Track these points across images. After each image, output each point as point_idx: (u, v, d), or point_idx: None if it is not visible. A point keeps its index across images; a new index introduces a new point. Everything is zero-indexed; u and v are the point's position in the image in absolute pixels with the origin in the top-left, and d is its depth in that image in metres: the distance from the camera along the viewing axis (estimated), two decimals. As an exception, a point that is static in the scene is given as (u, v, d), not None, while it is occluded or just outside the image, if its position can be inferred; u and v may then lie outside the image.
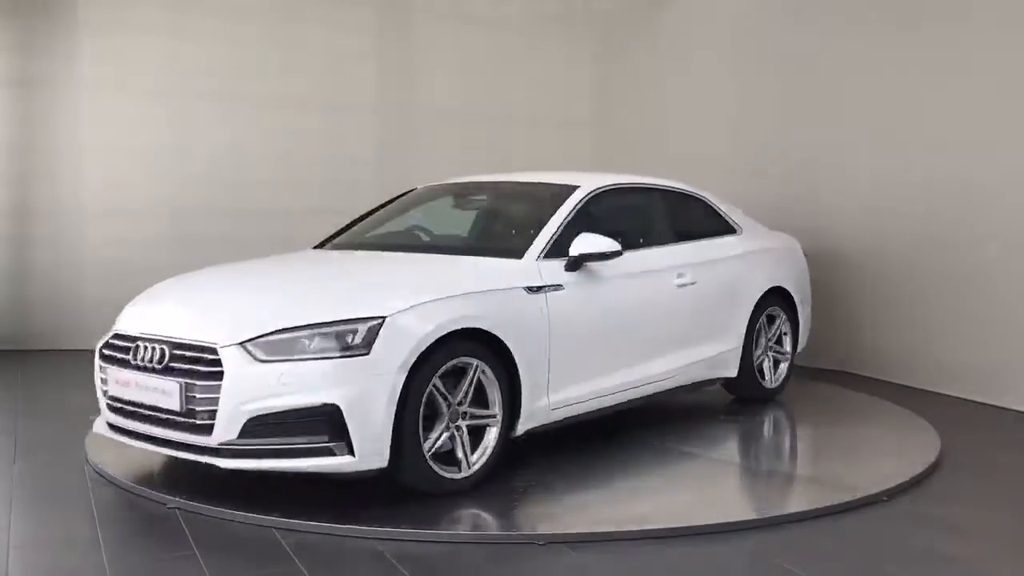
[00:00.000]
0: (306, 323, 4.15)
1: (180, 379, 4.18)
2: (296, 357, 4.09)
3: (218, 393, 4.07)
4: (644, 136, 9.44)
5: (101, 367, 4.64)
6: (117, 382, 4.47)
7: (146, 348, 4.36)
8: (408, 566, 3.63)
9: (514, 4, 9.61)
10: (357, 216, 6.11)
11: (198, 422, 4.13)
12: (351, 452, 4.06)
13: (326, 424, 4.04)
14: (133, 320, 4.65)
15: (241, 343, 4.12)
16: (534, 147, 9.52)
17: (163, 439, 4.31)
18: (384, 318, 4.15)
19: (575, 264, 4.97)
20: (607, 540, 3.91)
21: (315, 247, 5.87)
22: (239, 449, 4.08)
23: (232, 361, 4.09)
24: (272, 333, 4.13)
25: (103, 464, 4.87)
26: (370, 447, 4.08)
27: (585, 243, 4.97)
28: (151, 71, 8.64)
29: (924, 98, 7.08)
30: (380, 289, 4.48)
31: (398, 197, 6.22)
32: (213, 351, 4.13)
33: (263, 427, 4.05)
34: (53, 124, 8.54)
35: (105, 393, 4.61)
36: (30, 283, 8.57)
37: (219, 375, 4.08)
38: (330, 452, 4.06)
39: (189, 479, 4.66)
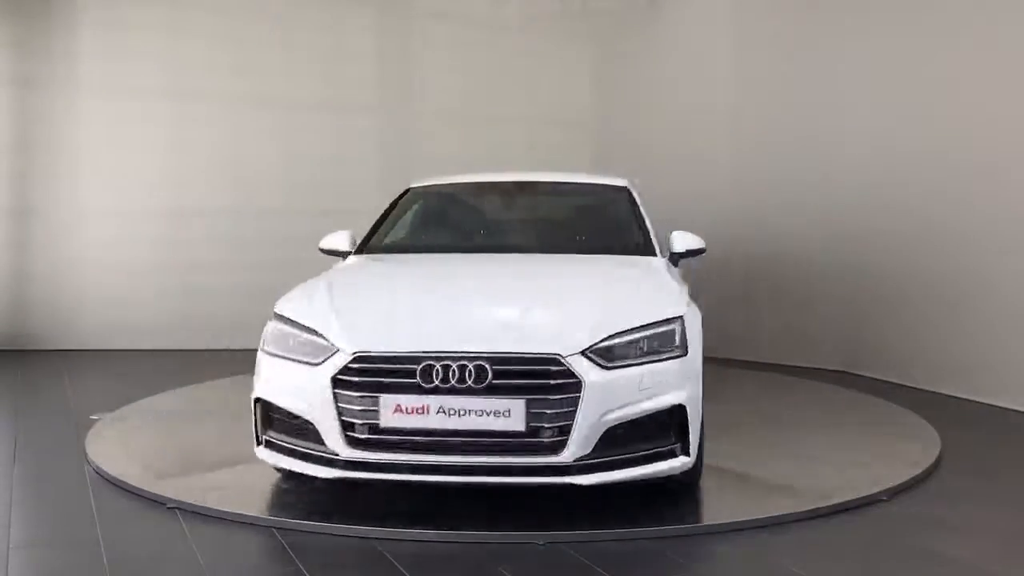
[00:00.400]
0: (633, 326, 4.05)
1: (522, 396, 3.82)
2: (636, 362, 3.99)
3: (572, 407, 3.82)
4: (643, 136, 9.44)
5: (347, 397, 3.91)
6: (401, 410, 3.85)
7: (449, 367, 3.84)
8: (408, 566, 3.63)
9: (513, 4, 9.61)
10: (383, 217, 5.80)
11: (545, 441, 3.83)
12: (686, 453, 4.06)
13: (674, 426, 4.03)
14: (385, 337, 4.02)
15: (583, 351, 3.90)
16: (533, 146, 9.52)
17: (486, 467, 3.87)
18: (682, 317, 4.18)
19: (676, 260, 5.25)
20: (605, 540, 3.91)
21: (358, 251, 5.41)
22: (593, 463, 3.88)
23: (586, 371, 3.86)
24: (609, 338, 3.98)
25: (103, 464, 4.86)
26: (694, 447, 4.11)
27: (684, 240, 5.27)
28: (151, 71, 8.65)
29: (925, 90, 7.08)
30: (658, 290, 4.49)
31: (399, 198, 5.97)
32: (557, 362, 3.86)
33: (615, 436, 3.90)
34: (52, 124, 8.54)
35: (355, 427, 3.90)
36: (30, 283, 8.57)
37: (571, 387, 3.84)
38: (672, 455, 4.03)
39: (188, 479, 4.66)
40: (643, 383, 3.94)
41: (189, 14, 8.72)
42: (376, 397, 3.85)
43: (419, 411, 3.82)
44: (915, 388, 7.07)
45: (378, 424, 3.86)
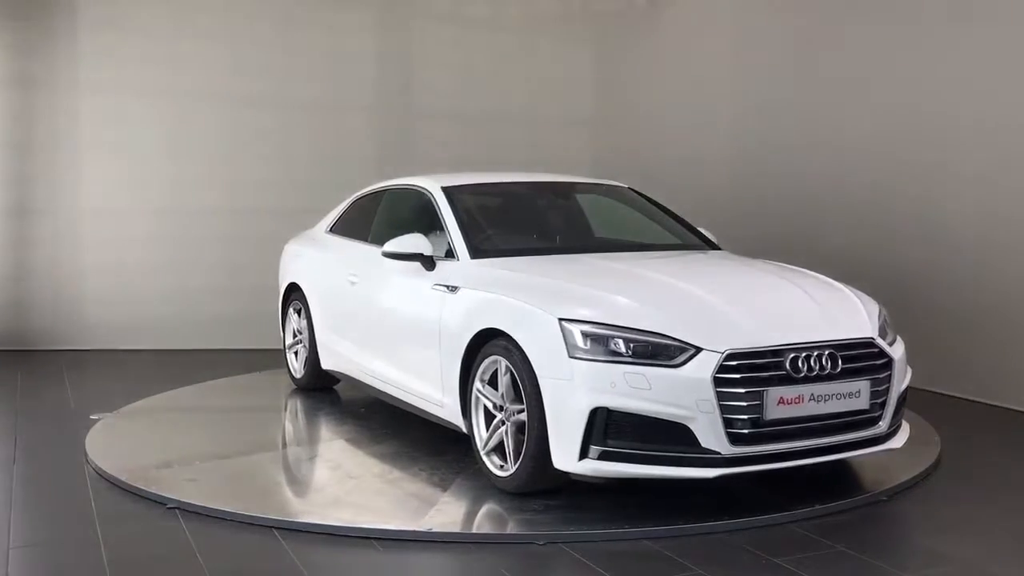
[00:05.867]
0: (876, 312, 4.63)
1: (866, 377, 4.29)
2: (893, 340, 4.58)
3: (887, 383, 4.38)
4: (644, 136, 9.44)
5: (730, 394, 3.99)
6: (784, 402, 4.06)
7: (810, 356, 4.14)
8: (408, 566, 3.64)
9: (513, 4, 9.61)
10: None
11: (875, 415, 4.35)
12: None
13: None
14: (744, 333, 4.14)
15: (877, 334, 4.45)
16: (533, 147, 9.52)
17: (827, 447, 4.25)
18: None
19: None
20: (605, 540, 3.91)
21: (475, 256, 5.02)
22: (895, 430, 4.52)
23: (890, 350, 4.43)
24: (878, 320, 4.57)
25: (103, 464, 4.87)
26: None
27: (711, 235, 5.75)
28: (151, 71, 8.63)
29: (926, 92, 7.08)
30: (833, 280, 4.95)
31: (450, 198, 5.40)
32: (872, 344, 4.38)
33: (896, 407, 4.50)
34: (53, 124, 8.53)
35: (735, 423, 3.99)
36: (30, 283, 8.57)
37: (886, 365, 4.38)
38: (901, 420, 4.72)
39: (188, 479, 4.66)
40: (905, 359, 4.60)
41: (189, 16, 8.70)
42: (762, 392, 4.04)
43: (796, 400, 4.10)
44: (915, 388, 7.05)
45: (760, 418, 4.04)
